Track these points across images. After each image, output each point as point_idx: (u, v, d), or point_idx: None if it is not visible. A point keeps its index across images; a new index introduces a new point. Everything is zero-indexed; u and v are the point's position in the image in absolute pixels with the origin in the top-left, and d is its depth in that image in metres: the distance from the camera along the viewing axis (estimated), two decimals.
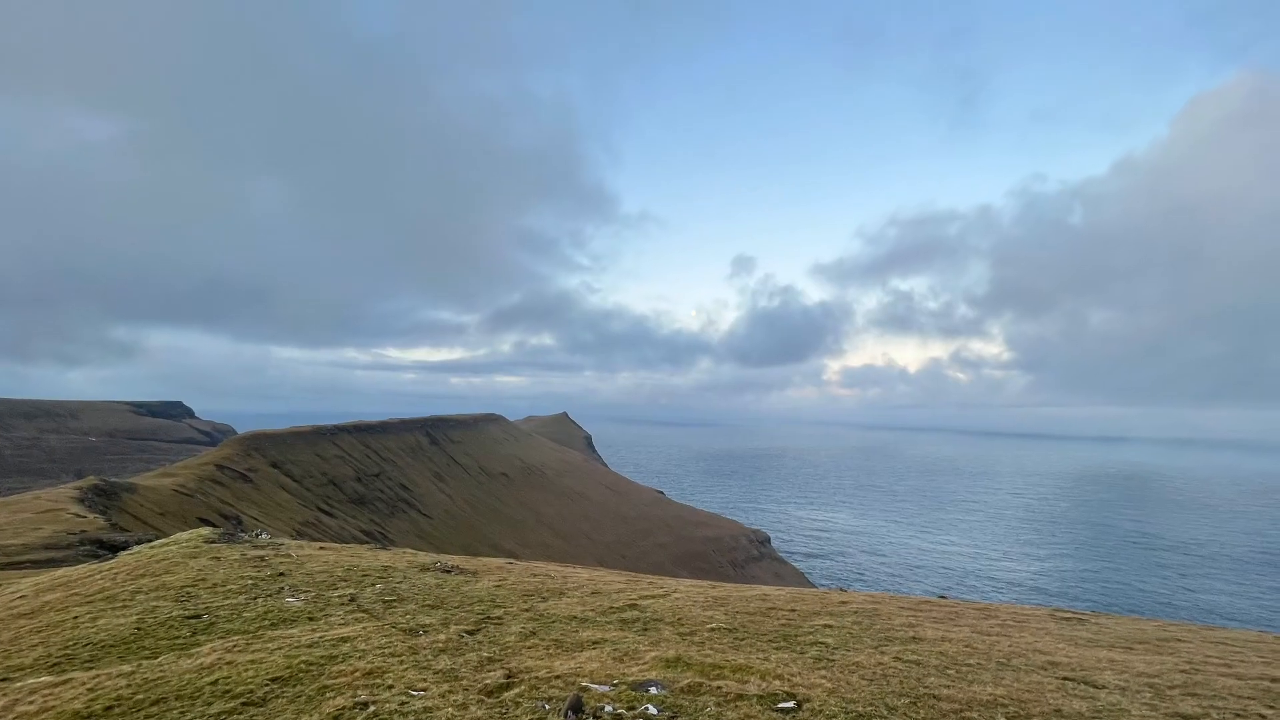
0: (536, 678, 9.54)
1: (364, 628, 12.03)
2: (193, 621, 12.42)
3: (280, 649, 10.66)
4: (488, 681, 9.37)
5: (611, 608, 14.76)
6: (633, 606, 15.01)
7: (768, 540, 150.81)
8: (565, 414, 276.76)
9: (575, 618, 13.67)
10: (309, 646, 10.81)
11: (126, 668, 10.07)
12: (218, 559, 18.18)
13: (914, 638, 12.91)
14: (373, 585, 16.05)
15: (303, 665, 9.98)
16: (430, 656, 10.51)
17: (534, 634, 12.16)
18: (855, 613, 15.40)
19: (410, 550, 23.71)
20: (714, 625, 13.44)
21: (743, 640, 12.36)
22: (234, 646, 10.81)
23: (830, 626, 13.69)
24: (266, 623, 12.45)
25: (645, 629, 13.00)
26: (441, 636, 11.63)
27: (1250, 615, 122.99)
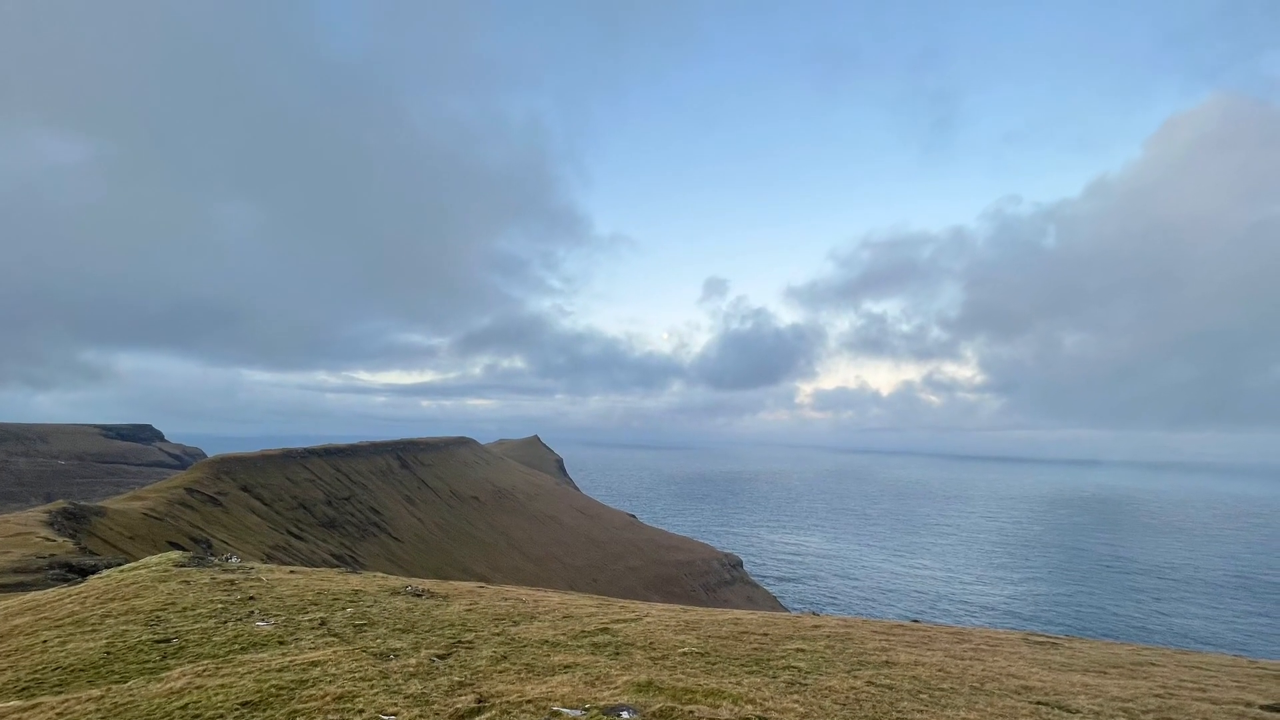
0: (508, 702, 9.58)
1: (334, 652, 12.00)
2: (162, 646, 12.33)
3: (250, 673, 10.63)
4: (459, 706, 9.41)
5: (583, 632, 14.80)
6: (604, 630, 15.06)
7: (740, 564, 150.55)
8: (536, 437, 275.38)
9: (547, 642, 13.70)
10: (279, 671, 10.79)
11: (96, 692, 10.00)
12: (187, 583, 18.00)
13: (887, 662, 13.06)
14: (343, 609, 15.99)
15: (273, 690, 9.97)
16: (401, 681, 10.52)
17: (505, 658, 12.18)
18: (828, 637, 15.53)
19: (381, 574, 23.58)
20: (686, 649, 13.50)
21: (715, 664, 12.44)
22: (204, 671, 10.76)
23: (803, 651, 13.81)
24: (237, 647, 12.38)
25: (617, 653, 13.05)
26: (412, 661, 11.64)
27: (1225, 639, 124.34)
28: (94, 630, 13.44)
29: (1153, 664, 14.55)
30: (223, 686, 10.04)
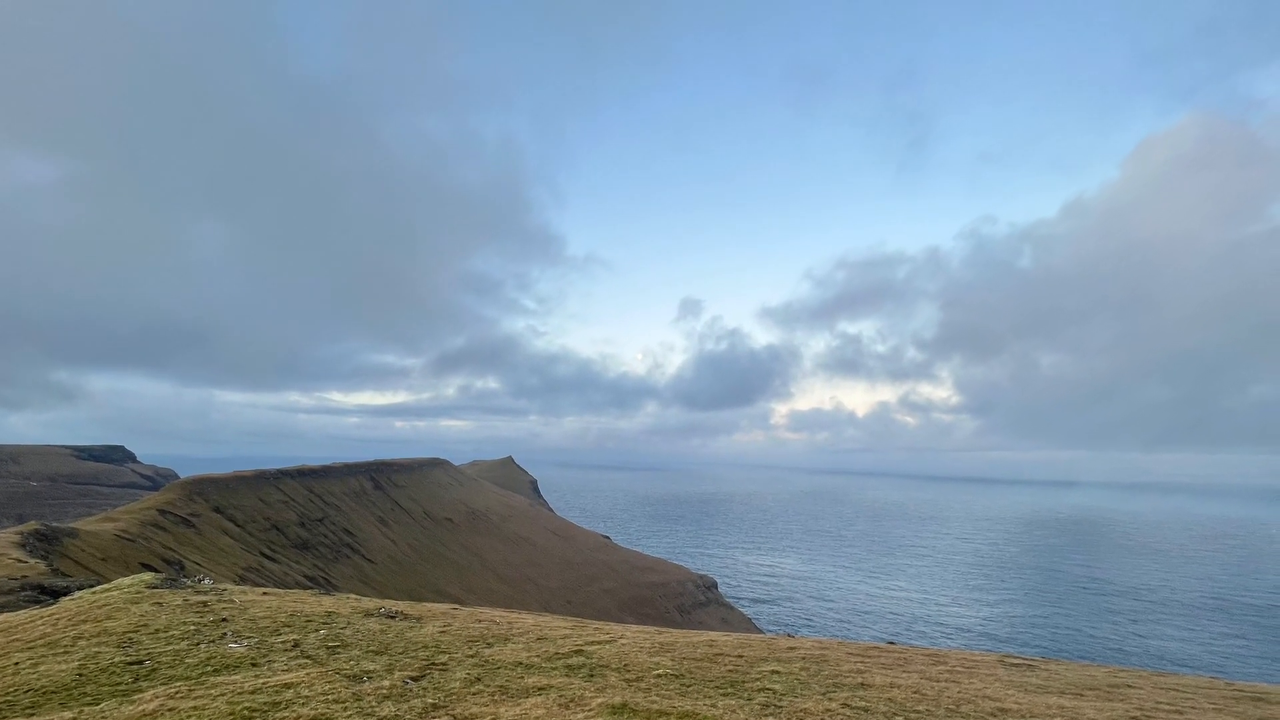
0: None
1: (308, 674, 11.98)
2: (134, 668, 12.25)
3: (223, 695, 10.62)
4: None
5: (557, 654, 14.82)
6: (578, 652, 15.08)
7: (715, 585, 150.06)
8: (510, 458, 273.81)
9: (521, 664, 13.71)
10: (252, 693, 10.79)
11: (67, 714, 9.93)
12: (160, 605, 17.82)
13: (862, 684, 13.12)
14: (316, 631, 15.91)
15: (245, 712, 9.98)
16: (374, 703, 10.55)
17: (479, 680, 12.20)
18: (803, 659, 15.59)
19: (354, 596, 23.43)
20: (660, 671, 13.54)
21: (690, 686, 12.50)
22: (176, 693, 10.73)
23: (778, 673, 13.87)
24: (210, 669, 12.32)
25: (591, 675, 13.07)
26: (385, 683, 11.65)
27: (1202, 661, 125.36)
28: (66, 652, 13.31)
29: (1129, 686, 14.67)
30: (195, 709, 10.02)
